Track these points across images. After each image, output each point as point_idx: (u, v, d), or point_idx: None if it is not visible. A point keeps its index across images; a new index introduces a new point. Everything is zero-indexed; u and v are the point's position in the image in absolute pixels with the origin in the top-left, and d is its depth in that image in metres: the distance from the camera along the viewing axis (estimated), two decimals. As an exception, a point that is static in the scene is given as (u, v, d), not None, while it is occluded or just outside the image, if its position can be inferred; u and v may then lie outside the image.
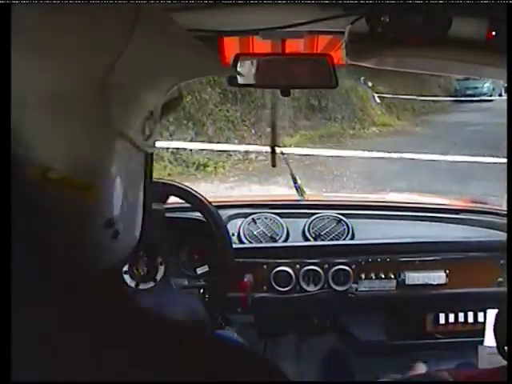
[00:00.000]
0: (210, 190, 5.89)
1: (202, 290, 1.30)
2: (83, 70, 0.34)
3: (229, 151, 7.08)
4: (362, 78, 11.53)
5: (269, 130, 7.59)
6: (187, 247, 1.48)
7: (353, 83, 11.11)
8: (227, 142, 7.15)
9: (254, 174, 5.25)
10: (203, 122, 7.58)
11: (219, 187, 6.15)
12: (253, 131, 8.02)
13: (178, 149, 6.62)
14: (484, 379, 0.75)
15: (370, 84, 11.94)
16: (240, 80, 1.07)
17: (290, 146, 7.41)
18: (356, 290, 1.44)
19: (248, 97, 8.16)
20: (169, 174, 6.32)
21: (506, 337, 0.67)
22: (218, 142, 7.05)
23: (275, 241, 1.52)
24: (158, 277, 1.29)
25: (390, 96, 12.18)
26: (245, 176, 6.42)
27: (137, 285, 1.30)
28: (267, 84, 1.15)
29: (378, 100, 11.94)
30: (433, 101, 14.10)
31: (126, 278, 1.30)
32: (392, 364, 1.41)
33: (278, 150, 1.63)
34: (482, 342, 1.23)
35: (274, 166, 1.59)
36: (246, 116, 8.27)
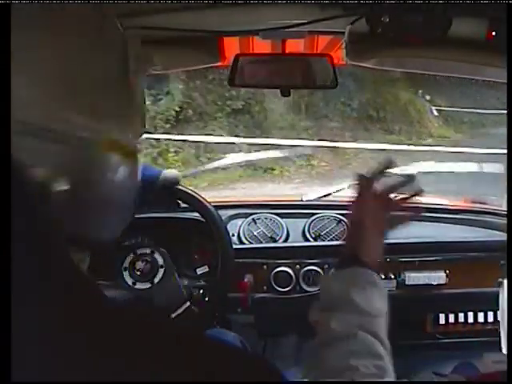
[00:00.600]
0: (277, 189, 6.39)
1: (201, 291, 1.30)
2: None
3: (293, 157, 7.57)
4: (420, 92, 11.62)
5: (330, 138, 7.92)
6: (187, 247, 1.47)
7: (410, 96, 11.32)
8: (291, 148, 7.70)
9: (317, 177, 5.58)
10: (270, 130, 8.07)
11: (285, 188, 6.62)
12: (315, 139, 8.43)
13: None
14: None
15: (427, 97, 11.97)
16: (239, 80, 1.07)
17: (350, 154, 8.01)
18: None
19: (311, 107, 8.60)
20: (240, 176, 6.80)
21: None
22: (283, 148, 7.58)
23: (275, 241, 1.51)
24: (158, 277, 1.29)
25: (448, 109, 12.23)
26: (308, 179, 6.88)
27: (135, 284, 1.30)
28: (267, 84, 1.15)
29: (435, 113, 11.95)
30: (491, 113, 14.14)
31: (126, 276, 1.30)
32: (392, 364, 1.40)
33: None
34: (482, 343, 1.22)
35: None
36: (308, 125, 8.70)
